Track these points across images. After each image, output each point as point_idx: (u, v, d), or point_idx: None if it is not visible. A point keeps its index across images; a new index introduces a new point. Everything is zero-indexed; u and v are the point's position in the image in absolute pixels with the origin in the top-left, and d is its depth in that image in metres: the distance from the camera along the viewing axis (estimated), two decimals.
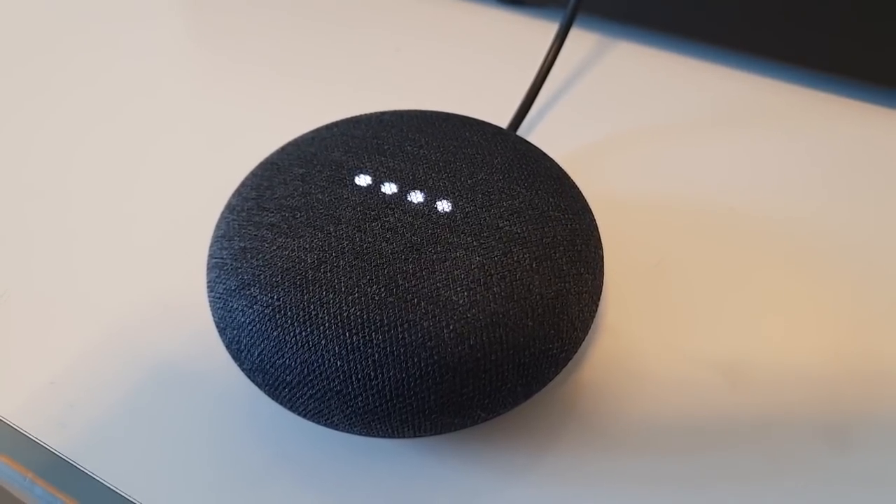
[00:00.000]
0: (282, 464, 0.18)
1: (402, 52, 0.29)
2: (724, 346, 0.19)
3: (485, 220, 0.17)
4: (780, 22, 0.26)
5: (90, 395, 0.19)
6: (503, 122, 0.24)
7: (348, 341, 0.15)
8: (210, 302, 0.17)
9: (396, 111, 0.20)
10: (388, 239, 0.16)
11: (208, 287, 0.17)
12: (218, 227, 0.18)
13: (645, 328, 0.20)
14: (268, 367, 0.16)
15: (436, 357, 0.15)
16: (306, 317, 0.15)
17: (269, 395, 0.16)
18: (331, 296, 0.15)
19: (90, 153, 0.26)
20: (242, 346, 0.16)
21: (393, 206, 0.17)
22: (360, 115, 0.20)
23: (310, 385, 0.15)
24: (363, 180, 0.18)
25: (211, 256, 0.17)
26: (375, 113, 0.20)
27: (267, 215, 0.17)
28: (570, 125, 0.26)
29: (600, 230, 0.18)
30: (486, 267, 0.16)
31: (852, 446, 0.18)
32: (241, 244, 0.17)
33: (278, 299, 0.16)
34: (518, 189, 0.17)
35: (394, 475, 0.17)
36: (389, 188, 0.17)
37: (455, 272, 0.16)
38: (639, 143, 0.25)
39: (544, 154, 0.19)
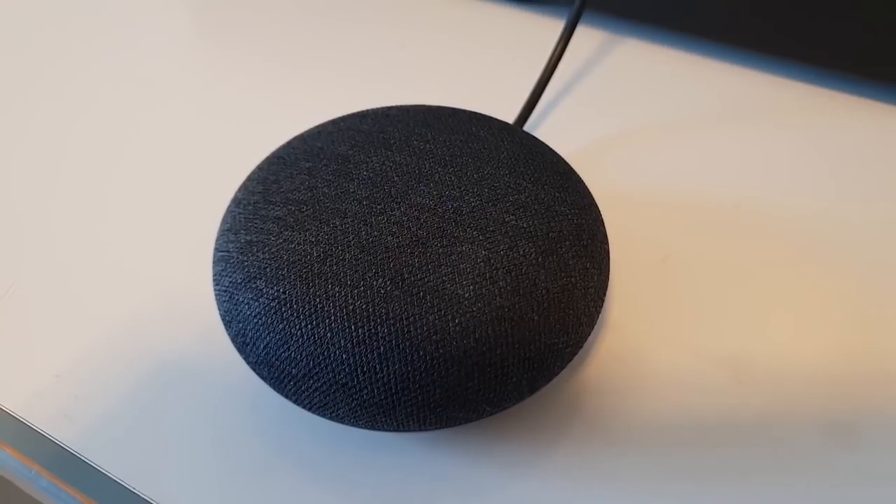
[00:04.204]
0: (286, 457, 0.18)
1: (408, 48, 0.29)
2: (730, 343, 0.19)
3: (491, 214, 0.17)
4: (788, 19, 0.26)
5: (96, 388, 0.19)
6: (510, 117, 0.24)
7: (354, 334, 0.15)
8: (216, 295, 0.17)
9: (403, 106, 0.20)
10: (394, 233, 0.16)
11: (214, 280, 0.17)
12: (224, 220, 0.18)
13: (651, 324, 0.20)
14: (273, 359, 0.16)
15: (441, 350, 0.15)
16: (312, 310, 0.15)
17: (274, 387, 0.16)
18: (336, 289, 0.15)
19: (96, 148, 0.26)
20: (248, 339, 0.16)
21: (399, 200, 0.17)
22: (367, 110, 0.20)
23: (315, 378, 0.15)
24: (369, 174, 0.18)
25: (217, 250, 0.17)
26: (382, 108, 0.20)
27: (273, 209, 0.17)
28: (576, 121, 0.26)
29: (606, 226, 0.18)
30: (492, 261, 0.16)
31: (858, 444, 0.17)
32: (248, 237, 0.17)
33: (284, 292, 0.16)
34: (524, 184, 0.17)
35: (398, 469, 0.17)
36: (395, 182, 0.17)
37: (461, 266, 0.16)
38: (645, 140, 0.25)
39: (551, 149, 0.19)
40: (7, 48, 0.31)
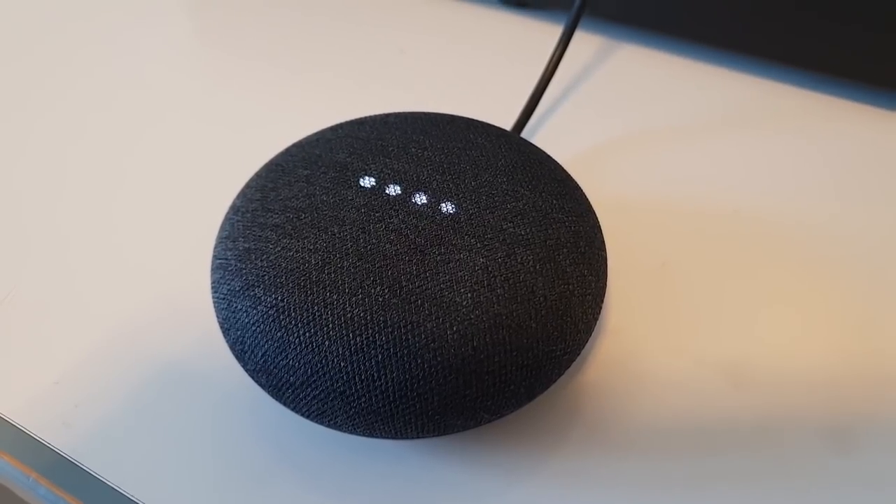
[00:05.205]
0: (284, 464, 0.18)
1: (407, 54, 0.29)
2: (727, 348, 0.19)
3: (488, 221, 0.17)
4: (787, 23, 0.26)
5: (94, 396, 0.19)
6: (507, 124, 0.24)
7: (352, 342, 0.15)
8: (214, 303, 0.17)
9: (401, 113, 0.20)
10: (392, 240, 0.16)
11: (212, 288, 0.17)
12: (222, 228, 0.18)
13: (649, 330, 0.20)
14: (271, 367, 0.16)
15: (439, 358, 0.15)
16: (310, 318, 0.15)
17: (272, 395, 0.16)
18: (335, 297, 0.15)
19: (95, 155, 0.26)
20: (246, 347, 0.16)
21: (397, 207, 0.17)
22: (365, 117, 0.20)
23: (313, 386, 0.15)
24: (367, 182, 0.18)
25: (215, 257, 0.17)
26: (380, 115, 0.20)
27: (271, 216, 0.17)
28: (573, 128, 0.26)
29: (604, 232, 0.18)
30: (490, 268, 0.16)
31: (857, 448, 0.17)
32: (246, 245, 0.17)
33: (282, 300, 0.16)
34: (522, 191, 0.17)
35: (396, 476, 0.17)
36: (394, 190, 0.17)
37: (459, 274, 0.16)
38: (642, 146, 0.25)
39: (548, 156, 0.19)
40: (9, 53, 0.31)
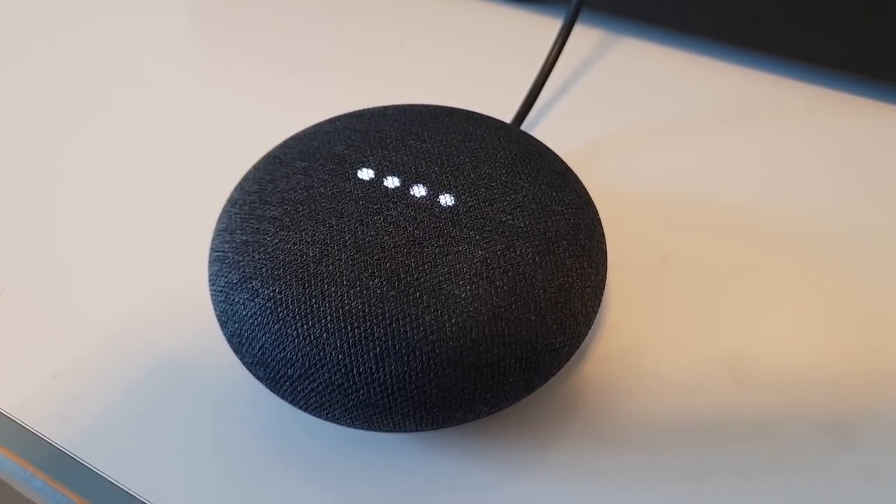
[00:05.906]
0: (283, 457, 0.18)
1: (406, 48, 0.29)
2: (728, 343, 0.19)
3: (487, 214, 0.17)
4: (787, 18, 0.26)
5: (92, 389, 0.19)
6: (507, 117, 0.24)
7: (350, 335, 0.15)
8: (212, 295, 0.17)
9: (399, 105, 0.20)
10: (391, 233, 0.16)
11: (210, 280, 0.17)
12: (220, 220, 0.18)
13: (648, 324, 0.20)
14: (269, 360, 0.16)
15: (438, 351, 0.15)
16: (308, 310, 0.15)
17: (270, 388, 0.16)
18: (332, 289, 0.15)
19: (95, 150, 0.26)
20: (244, 340, 0.16)
21: (395, 199, 0.17)
22: (363, 110, 0.20)
23: (311, 378, 0.15)
24: (366, 174, 0.17)
25: (213, 250, 0.17)
26: (378, 107, 0.20)
27: (269, 209, 0.17)
28: (573, 121, 0.26)
29: (604, 225, 0.18)
30: (489, 261, 0.16)
31: (857, 443, 0.17)
32: (243, 237, 0.17)
33: (280, 292, 0.15)
34: (521, 183, 0.17)
35: (395, 469, 0.17)
36: (392, 182, 0.17)
37: (457, 266, 0.16)
38: (643, 139, 0.25)
39: (548, 149, 0.19)
40: (8, 51, 0.31)
